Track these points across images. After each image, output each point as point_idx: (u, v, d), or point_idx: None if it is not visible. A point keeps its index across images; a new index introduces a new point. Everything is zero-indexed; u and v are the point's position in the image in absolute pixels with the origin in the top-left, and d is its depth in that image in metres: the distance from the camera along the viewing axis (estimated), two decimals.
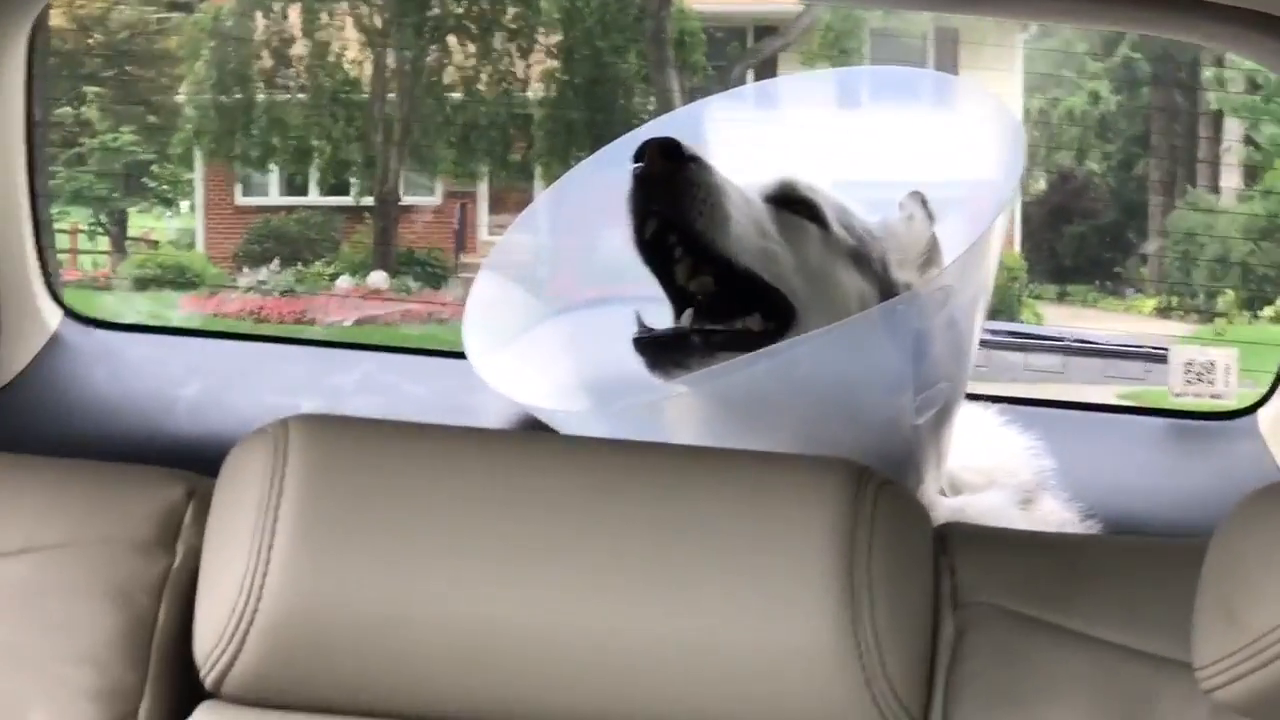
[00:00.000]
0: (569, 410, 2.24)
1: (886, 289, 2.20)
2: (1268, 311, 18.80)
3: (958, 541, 1.78)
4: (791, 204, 2.18)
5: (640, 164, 2.04)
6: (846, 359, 2.06)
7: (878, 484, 1.66)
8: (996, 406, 2.60)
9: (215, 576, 1.64)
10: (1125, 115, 23.20)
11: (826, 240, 2.17)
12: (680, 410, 2.12)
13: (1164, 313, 19.67)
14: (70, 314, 2.95)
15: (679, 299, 2.14)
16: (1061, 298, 20.80)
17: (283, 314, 15.74)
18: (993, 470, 2.39)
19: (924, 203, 2.31)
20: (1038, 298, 19.65)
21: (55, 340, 2.88)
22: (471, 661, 1.60)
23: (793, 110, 2.74)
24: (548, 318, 2.53)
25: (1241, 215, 20.20)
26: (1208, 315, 19.13)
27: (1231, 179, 21.83)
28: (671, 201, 2.04)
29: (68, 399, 2.81)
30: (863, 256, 2.20)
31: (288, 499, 1.61)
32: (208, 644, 1.62)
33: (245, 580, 1.59)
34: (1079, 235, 21.72)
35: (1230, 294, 19.15)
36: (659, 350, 2.07)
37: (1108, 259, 21.71)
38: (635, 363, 2.12)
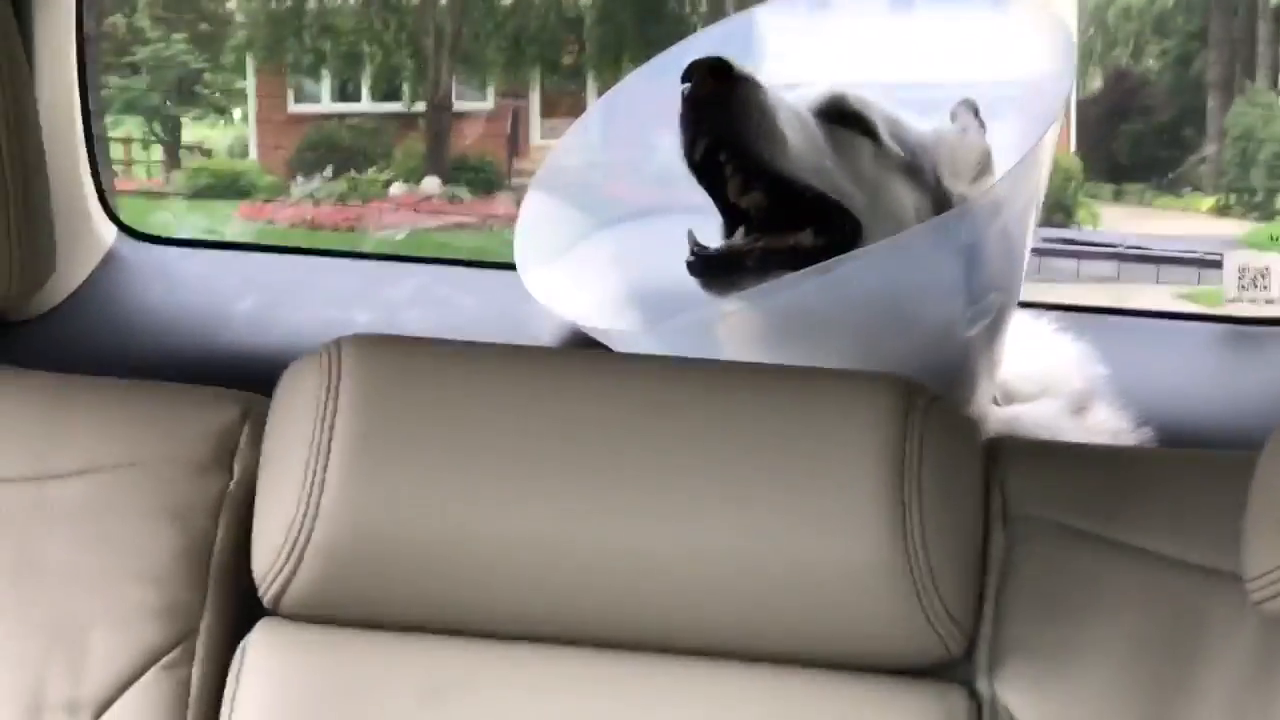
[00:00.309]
0: (619, 330, 2.25)
1: (940, 200, 2.19)
2: None
3: (1007, 455, 1.78)
4: (842, 118, 2.16)
5: (689, 84, 2.01)
6: (899, 274, 2.05)
7: (927, 400, 1.67)
8: (1050, 314, 2.60)
9: (271, 496, 1.66)
10: (1183, 10, 22.93)
11: (879, 153, 2.16)
12: (733, 327, 2.11)
13: (1222, 211, 19.53)
14: (125, 229, 2.98)
15: (731, 215, 2.13)
16: (1118, 197, 20.64)
17: (336, 222, 15.79)
18: (1045, 379, 2.38)
19: (976, 112, 2.29)
20: (1094, 197, 19.52)
21: (110, 256, 2.91)
22: (525, 579, 1.62)
23: (845, 18, 2.72)
24: (599, 229, 2.54)
25: None
26: (1267, 213, 18.98)
27: None
28: (724, 123, 2.02)
29: (124, 315, 2.84)
30: (916, 168, 2.18)
31: (341, 419, 1.63)
32: (265, 563, 1.65)
33: (300, 500, 1.61)
34: (1135, 134, 21.50)
35: None
36: (713, 270, 2.06)
37: (1164, 157, 21.51)
38: (686, 277, 2.13)
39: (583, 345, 2.33)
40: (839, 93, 2.19)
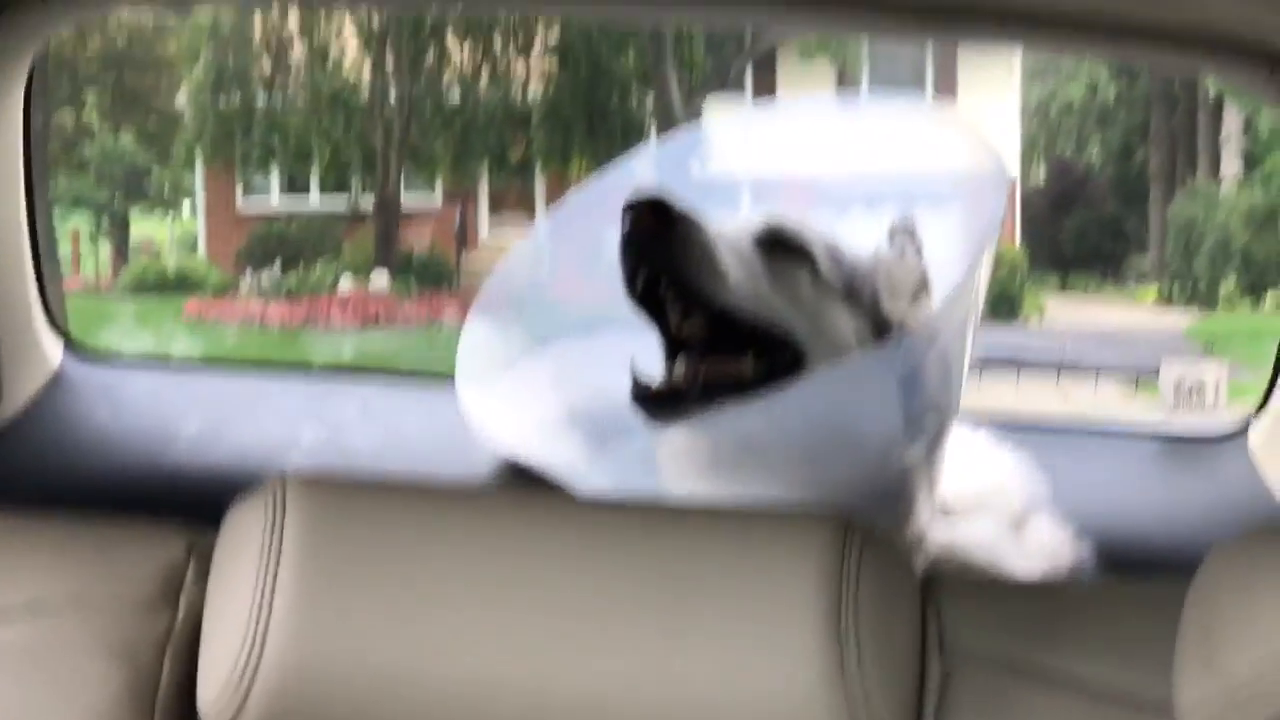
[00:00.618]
0: (562, 458, 2.27)
1: (879, 323, 2.21)
2: (1270, 300, 18.83)
3: (944, 588, 1.80)
4: (781, 246, 2.18)
5: (629, 221, 2.04)
6: (838, 400, 2.08)
7: (862, 535, 1.69)
8: (988, 425, 2.63)
9: (217, 635, 1.67)
10: (1124, 105, 23.25)
11: (817, 281, 2.17)
12: (674, 454, 2.14)
13: (1166, 301, 19.72)
14: (71, 347, 2.98)
15: (672, 342, 2.15)
16: (1063, 287, 20.85)
17: (285, 319, 15.81)
18: (984, 494, 2.41)
19: (913, 233, 2.32)
20: (1040, 286, 19.70)
21: (57, 376, 2.91)
22: (468, 717, 1.63)
23: (785, 143, 2.76)
24: (541, 345, 2.56)
25: (1242, 203, 20.25)
26: (1209, 303, 19.17)
27: (1231, 166, 21.87)
28: (664, 258, 2.04)
29: (71, 437, 2.83)
30: (854, 293, 2.20)
31: (286, 558, 1.64)
32: (211, 700, 1.65)
33: (246, 639, 1.62)
34: (1079, 225, 21.78)
35: (1231, 282, 19.19)
36: (656, 405, 2.07)
37: (1108, 248, 21.76)
38: (627, 397, 2.15)
39: (524, 468, 2.36)
40: (776, 222, 2.21)
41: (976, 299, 2.25)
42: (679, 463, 2.12)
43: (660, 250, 2.03)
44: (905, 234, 2.31)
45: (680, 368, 2.10)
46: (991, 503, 2.39)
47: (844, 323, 2.18)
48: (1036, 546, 2.38)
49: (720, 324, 2.09)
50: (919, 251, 2.29)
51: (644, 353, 2.16)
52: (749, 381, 2.06)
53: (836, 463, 2.13)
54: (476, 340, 2.54)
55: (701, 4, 2.55)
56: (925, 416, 2.17)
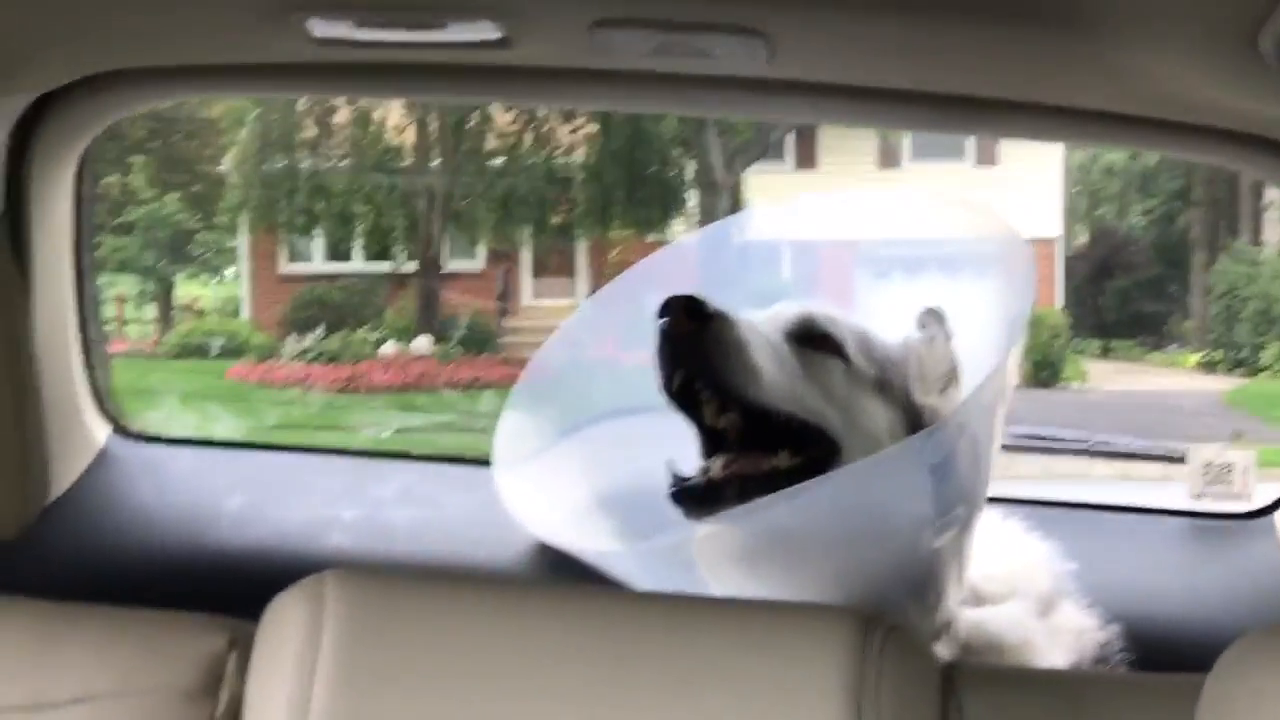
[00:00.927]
0: (600, 551, 2.30)
1: (911, 413, 2.24)
2: None
3: (964, 681, 1.83)
4: (812, 338, 2.22)
5: (664, 320, 2.09)
6: (871, 492, 2.11)
7: (885, 630, 1.72)
8: (1017, 508, 2.65)
9: None
10: (1166, 169, 23.15)
11: (849, 372, 2.21)
12: (708, 546, 2.16)
13: (1208, 367, 19.61)
14: (118, 429, 3.04)
15: (709, 436, 2.18)
16: (1105, 353, 20.76)
17: (328, 381, 15.87)
18: (1012, 579, 2.42)
19: (942, 320, 2.35)
20: (1081, 353, 19.62)
21: (103, 455, 2.96)
22: None
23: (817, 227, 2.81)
24: (577, 429, 2.61)
25: None
26: (1251, 369, 19.06)
27: (1274, 232, 21.77)
28: (699, 358, 2.08)
29: (116, 514, 2.88)
30: (886, 384, 2.24)
31: (325, 651, 1.69)
32: None
33: None
34: (1121, 290, 21.69)
35: (1274, 346, 19.07)
36: (694, 500, 2.10)
37: (1150, 313, 21.66)
38: (659, 480, 2.19)
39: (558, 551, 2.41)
40: (808, 313, 2.25)
41: (1005, 392, 2.28)
42: (712, 553, 2.14)
43: (694, 350, 2.07)
44: (935, 320, 2.34)
45: (717, 463, 2.14)
46: (1020, 589, 2.41)
47: (878, 414, 2.21)
48: (1064, 632, 2.40)
49: (755, 419, 2.13)
50: (948, 338, 2.33)
51: (679, 437, 2.21)
52: (784, 474, 2.09)
53: (868, 551, 2.16)
54: (513, 424, 2.58)
55: (737, 100, 2.60)
56: (955, 508, 2.19)
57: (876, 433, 2.19)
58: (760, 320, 2.24)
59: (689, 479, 2.12)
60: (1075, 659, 2.36)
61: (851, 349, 2.24)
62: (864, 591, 1.89)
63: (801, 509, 2.05)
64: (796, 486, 2.02)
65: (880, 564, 2.18)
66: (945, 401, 2.29)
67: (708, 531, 2.13)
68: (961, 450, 2.19)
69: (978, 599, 2.38)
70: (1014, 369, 2.30)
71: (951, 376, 2.32)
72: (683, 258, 2.89)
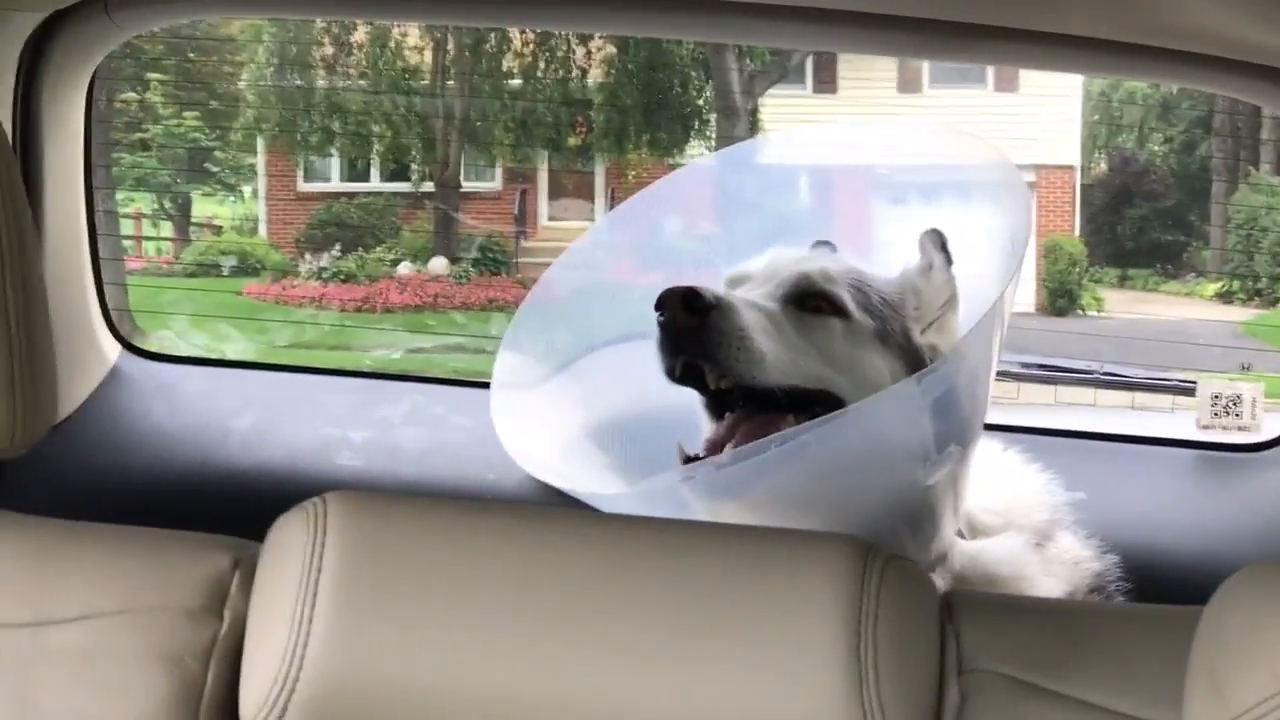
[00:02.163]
0: (596, 493, 2.32)
1: (911, 358, 2.25)
2: None
3: (963, 609, 1.84)
4: (811, 298, 2.24)
5: (662, 313, 2.10)
6: (868, 436, 2.12)
7: (884, 558, 1.73)
8: (1023, 437, 2.66)
9: (259, 645, 1.73)
10: (1187, 97, 22.98)
11: (849, 329, 2.22)
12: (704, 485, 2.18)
13: (1225, 297, 19.54)
14: (128, 347, 3.05)
15: (715, 399, 2.20)
16: (1122, 282, 20.69)
17: (345, 300, 15.88)
18: (1008, 510, 2.44)
19: (943, 245, 2.35)
20: (1098, 281, 19.55)
21: (114, 373, 2.98)
22: None
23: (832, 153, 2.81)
24: (584, 354, 2.61)
25: None
26: (1269, 300, 19.00)
27: None
28: (700, 351, 2.10)
29: (127, 432, 2.90)
30: (886, 333, 2.25)
31: (326, 574, 1.70)
32: (253, 709, 1.71)
33: (287, 651, 1.68)
34: (1140, 218, 21.59)
35: None
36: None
37: (1169, 242, 21.57)
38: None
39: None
40: (804, 273, 2.26)
41: (1004, 314, 2.28)
42: (709, 496, 2.17)
43: (695, 342, 2.09)
44: (934, 244, 2.34)
45: (722, 429, 2.16)
46: (1016, 520, 2.42)
47: (880, 365, 2.22)
48: (1059, 563, 2.41)
49: (759, 394, 2.14)
50: (948, 263, 2.32)
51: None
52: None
53: (866, 489, 2.18)
54: (513, 351, 2.59)
55: (745, 25, 2.59)
56: (948, 446, 2.20)
57: (880, 383, 2.20)
58: (757, 275, 2.25)
59: (698, 458, 2.13)
60: (1070, 590, 2.37)
61: (850, 304, 2.24)
62: (860, 523, 1.90)
63: (803, 464, 2.06)
64: (796, 439, 2.03)
65: (877, 498, 2.20)
66: (944, 332, 2.30)
67: (705, 474, 2.13)
68: (961, 385, 2.21)
69: (974, 530, 2.39)
70: (1010, 298, 2.30)
71: (950, 302, 2.32)
72: (697, 180, 2.89)
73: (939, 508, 2.25)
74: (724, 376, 2.12)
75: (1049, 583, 2.32)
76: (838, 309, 2.23)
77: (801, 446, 2.02)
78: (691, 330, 2.08)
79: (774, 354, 2.13)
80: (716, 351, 2.09)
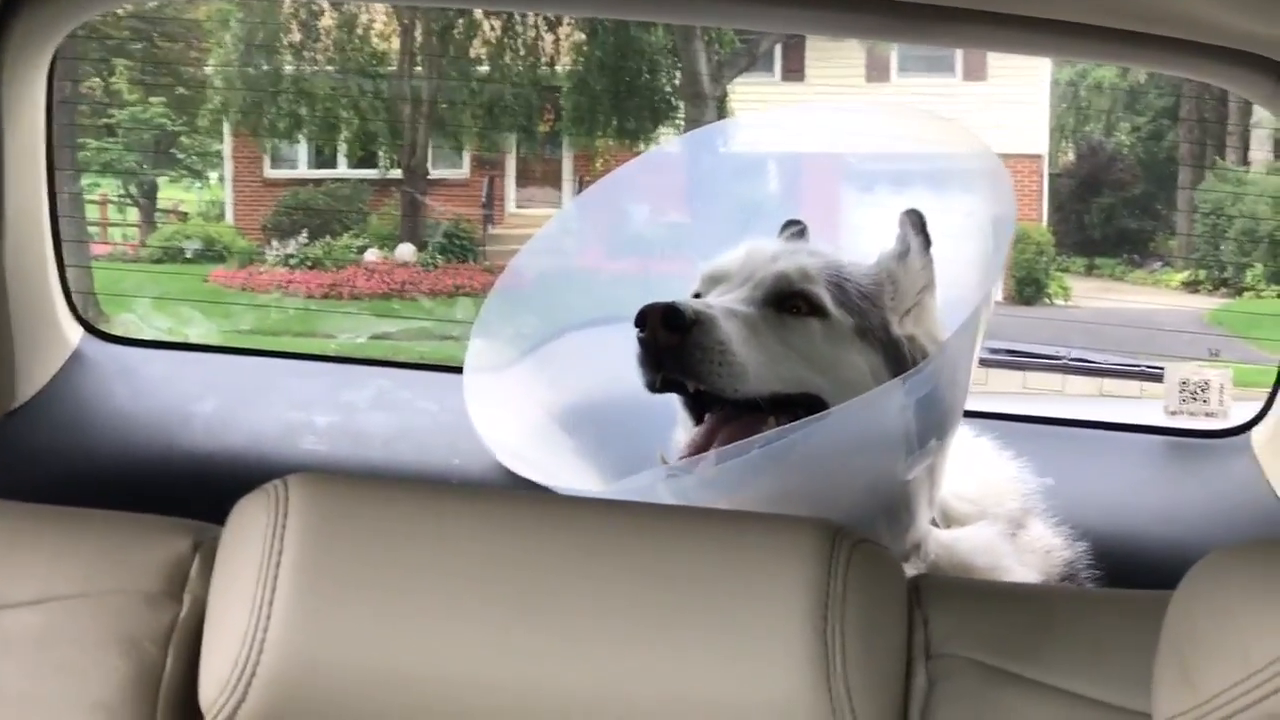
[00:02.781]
0: (552, 466, 2.31)
1: (891, 351, 2.24)
2: None
3: (931, 594, 1.83)
4: (789, 299, 2.22)
5: (642, 330, 2.08)
6: (850, 437, 2.10)
7: (852, 541, 1.72)
8: (992, 424, 2.65)
9: (219, 629, 1.71)
10: (1154, 86, 23.06)
11: (829, 328, 2.21)
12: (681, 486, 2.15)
13: (1192, 286, 19.62)
14: (90, 330, 3.03)
15: (695, 401, 2.19)
16: (1089, 271, 20.77)
17: (310, 287, 15.85)
18: (982, 498, 2.43)
19: (922, 226, 2.32)
20: (1065, 270, 19.62)
21: (76, 357, 2.95)
22: (460, 714, 1.67)
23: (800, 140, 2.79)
24: (551, 339, 2.60)
25: (1270, 188, 20.13)
26: (1235, 289, 19.08)
27: (1261, 151, 21.74)
28: (682, 368, 2.09)
29: (89, 415, 2.88)
30: (865, 329, 2.24)
31: (287, 556, 1.67)
32: (212, 694, 1.68)
33: (247, 634, 1.66)
34: (1107, 207, 21.66)
35: (1259, 267, 19.09)
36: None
37: (1136, 231, 21.65)
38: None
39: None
40: (784, 271, 2.24)
41: (979, 326, 2.26)
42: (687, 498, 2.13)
43: (676, 360, 2.08)
44: (912, 226, 2.32)
45: (704, 437, 2.15)
46: (989, 508, 2.42)
47: (859, 363, 2.21)
48: (1031, 551, 2.41)
49: (741, 403, 2.14)
50: (926, 245, 2.31)
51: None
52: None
53: (847, 487, 2.17)
54: (482, 337, 2.58)
55: (713, 7, 2.58)
56: (934, 432, 2.20)
57: (861, 382, 2.19)
58: (735, 274, 2.24)
59: (679, 467, 2.11)
60: (1041, 578, 2.37)
61: (828, 302, 2.23)
62: (837, 516, 1.89)
63: (786, 466, 2.05)
64: (780, 442, 2.01)
65: (856, 495, 2.19)
66: (922, 320, 2.29)
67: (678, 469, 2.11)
68: (944, 381, 2.19)
69: (947, 519, 2.38)
70: (989, 306, 2.28)
71: (928, 285, 2.31)
72: (665, 165, 2.87)
73: (915, 498, 2.24)
74: (706, 388, 2.11)
75: (1022, 571, 2.32)
76: (816, 308, 2.22)
77: (785, 449, 2.00)
78: (672, 347, 2.07)
79: (755, 363, 2.11)
80: (699, 368, 2.07)
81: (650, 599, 1.67)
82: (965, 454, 2.46)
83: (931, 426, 2.17)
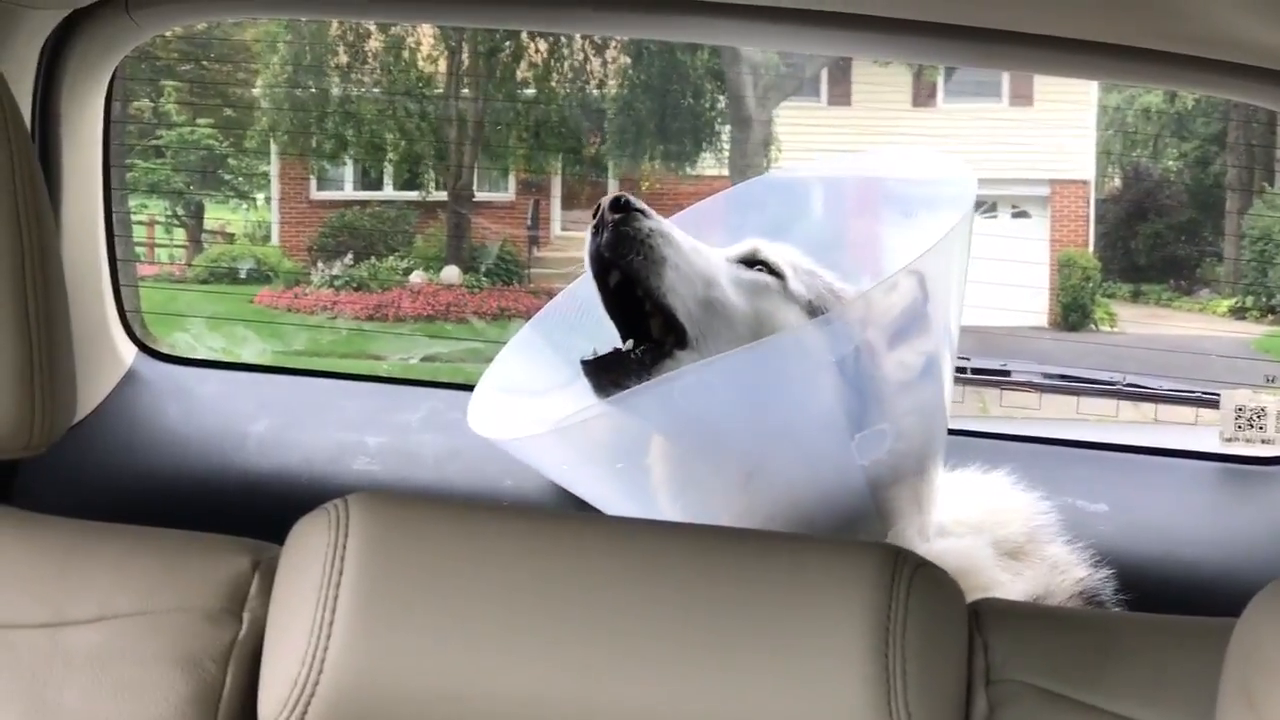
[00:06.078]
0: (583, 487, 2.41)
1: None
2: None
3: (991, 618, 1.82)
4: (754, 263, 2.40)
5: (597, 225, 2.29)
6: (768, 375, 2.18)
7: (913, 565, 1.71)
8: (1047, 448, 2.65)
9: (279, 648, 1.71)
10: (1202, 112, 22.97)
11: (784, 291, 2.38)
12: (655, 455, 2.30)
13: (1239, 313, 19.52)
14: (144, 349, 3.04)
15: (628, 330, 2.35)
16: (1135, 297, 20.68)
17: (357, 308, 15.90)
18: (981, 524, 2.47)
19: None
20: (1111, 296, 19.54)
21: (130, 375, 2.97)
22: None
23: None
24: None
25: None
26: None
27: None
28: (614, 244, 2.28)
29: (143, 433, 2.89)
30: (817, 309, 2.37)
31: (347, 576, 1.68)
32: (271, 712, 1.69)
33: (307, 654, 1.66)
34: (1154, 234, 21.57)
35: None
36: (600, 370, 2.27)
37: (1182, 258, 21.55)
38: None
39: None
40: (756, 244, 2.44)
41: (949, 326, 2.34)
42: (660, 462, 2.30)
43: (614, 238, 2.29)
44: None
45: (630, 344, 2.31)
46: (988, 530, 2.44)
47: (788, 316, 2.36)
48: (1034, 567, 2.42)
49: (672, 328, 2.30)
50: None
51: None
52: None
53: (788, 458, 2.28)
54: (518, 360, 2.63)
55: (769, 31, 2.58)
56: (876, 417, 2.26)
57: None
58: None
59: (596, 354, 2.30)
60: (1043, 593, 2.38)
61: (787, 273, 2.40)
62: (795, 500, 2.10)
63: (701, 388, 2.16)
64: (685, 368, 2.22)
65: (809, 477, 2.28)
66: (890, 353, 2.33)
67: (605, 409, 2.25)
68: (873, 351, 2.25)
69: (943, 535, 2.41)
70: (958, 306, 2.36)
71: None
72: (726, 209, 2.92)
73: (887, 503, 2.31)
74: (628, 276, 2.29)
75: (1006, 578, 2.38)
76: (774, 272, 2.40)
77: (707, 372, 2.17)
78: (612, 227, 2.28)
79: (680, 271, 2.29)
80: (626, 245, 2.28)
81: (709, 621, 1.67)
82: (974, 487, 2.55)
83: (875, 405, 2.25)
